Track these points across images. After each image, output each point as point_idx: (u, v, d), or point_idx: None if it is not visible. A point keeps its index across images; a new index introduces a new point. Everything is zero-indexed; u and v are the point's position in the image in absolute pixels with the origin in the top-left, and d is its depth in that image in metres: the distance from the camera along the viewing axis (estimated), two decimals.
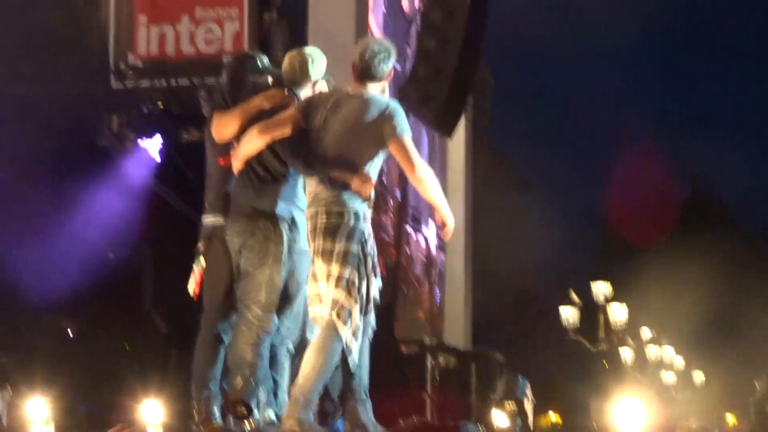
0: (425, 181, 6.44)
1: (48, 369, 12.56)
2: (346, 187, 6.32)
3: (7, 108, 14.95)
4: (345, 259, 6.28)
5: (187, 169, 13.86)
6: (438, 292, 20.12)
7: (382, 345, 11.37)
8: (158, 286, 15.12)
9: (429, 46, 12.12)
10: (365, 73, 6.52)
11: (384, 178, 16.56)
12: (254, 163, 6.72)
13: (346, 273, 6.26)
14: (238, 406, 6.22)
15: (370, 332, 6.48)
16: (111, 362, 13.74)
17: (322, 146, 6.46)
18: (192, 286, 7.01)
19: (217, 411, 6.92)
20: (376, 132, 6.38)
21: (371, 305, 6.40)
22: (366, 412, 6.53)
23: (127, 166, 14.84)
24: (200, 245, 7.05)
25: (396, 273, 15.40)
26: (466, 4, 11.41)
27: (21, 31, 14.33)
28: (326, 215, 6.35)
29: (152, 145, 14.38)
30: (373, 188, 6.40)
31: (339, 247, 6.29)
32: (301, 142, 6.52)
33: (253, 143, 6.56)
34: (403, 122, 6.43)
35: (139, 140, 14.54)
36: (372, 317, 6.46)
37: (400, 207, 16.72)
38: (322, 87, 6.99)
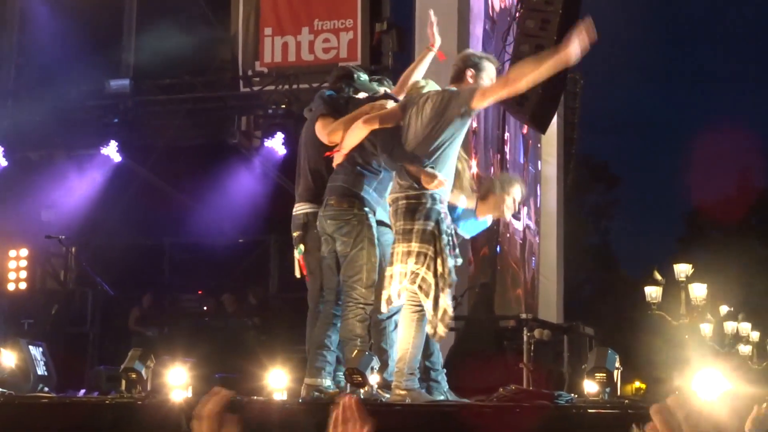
0: (523, 72, 6.29)
1: (187, 342, 12.72)
2: (417, 180, 6.33)
3: (154, 113, 15.29)
4: (422, 236, 6.27)
5: None
6: (533, 272, 19.99)
7: (482, 320, 11.37)
8: (281, 267, 15.25)
9: (524, 50, 12.07)
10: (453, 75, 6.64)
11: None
12: (356, 155, 6.74)
13: (424, 249, 6.26)
14: (354, 375, 6.26)
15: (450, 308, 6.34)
16: (242, 336, 13.87)
17: (405, 140, 6.48)
18: (298, 273, 7.22)
19: (329, 379, 6.98)
20: (447, 113, 6.33)
21: (447, 280, 6.29)
22: (445, 382, 6.67)
23: (254, 162, 15.01)
24: (297, 234, 7.16)
25: (496, 257, 15.35)
26: (558, 13, 11.39)
27: (164, 54, 14.72)
28: (405, 199, 6.36)
29: (276, 142, 14.52)
30: (442, 183, 6.35)
31: (417, 225, 6.29)
32: (395, 136, 6.52)
33: (357, 133, 6.61)
34: (468, 88, 6.40)
35: (265, 138, 14.69)
36: (449, 292, 6.33)
37: None
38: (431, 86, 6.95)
